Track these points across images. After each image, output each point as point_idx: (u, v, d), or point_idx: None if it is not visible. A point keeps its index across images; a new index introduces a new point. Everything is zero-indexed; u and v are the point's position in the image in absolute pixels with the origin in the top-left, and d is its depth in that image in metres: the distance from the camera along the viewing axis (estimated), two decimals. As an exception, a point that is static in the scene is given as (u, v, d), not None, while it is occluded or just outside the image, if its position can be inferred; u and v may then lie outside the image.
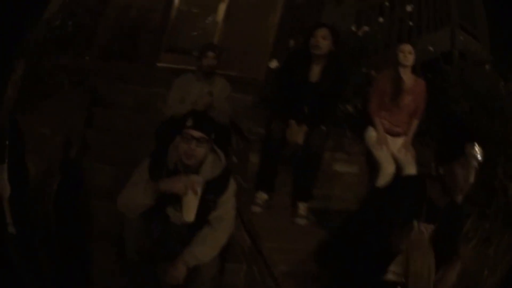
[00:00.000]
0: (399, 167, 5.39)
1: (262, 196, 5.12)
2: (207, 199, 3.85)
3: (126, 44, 8.33)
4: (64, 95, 6.01)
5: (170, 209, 3.88)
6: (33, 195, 4.42)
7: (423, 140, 6.04)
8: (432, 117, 6.16)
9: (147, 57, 8.36)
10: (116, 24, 8.40)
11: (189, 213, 3.78)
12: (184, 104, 5.34)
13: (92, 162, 5.65)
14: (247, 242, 4.84)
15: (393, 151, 5.52)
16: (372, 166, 5.51)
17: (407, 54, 5.56)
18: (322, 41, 5.04)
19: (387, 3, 7.87)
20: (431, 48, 7.29)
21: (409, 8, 7.73)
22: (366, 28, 6.54)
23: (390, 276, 3.44)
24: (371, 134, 5.59)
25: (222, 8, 8.80)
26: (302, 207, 5.03)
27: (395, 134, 5.60)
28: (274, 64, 6.08)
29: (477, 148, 2.98)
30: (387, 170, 5.29)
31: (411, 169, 5.34)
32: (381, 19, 6.89)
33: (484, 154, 3.03)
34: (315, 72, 5.14)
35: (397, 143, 5.57)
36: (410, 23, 7.96)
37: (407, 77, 5.61)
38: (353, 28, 6.53)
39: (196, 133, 3.76)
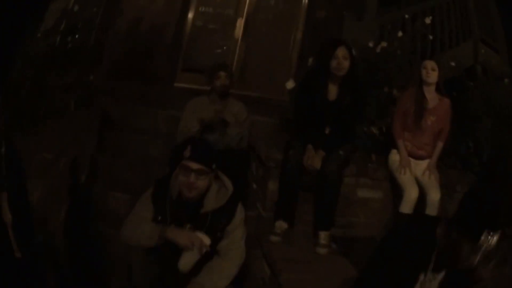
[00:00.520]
0: (422, 192, 5.22)
1: (282, 225, 4.98)
2: (214, 229, 3.75)
3: (139, 62, 8.17)
4: (70, 117, 5.87)
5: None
6: (39, 222, 4.39)
7: (449, 162, 5.87)
8: (457, 137, 5.95)
9: (163, 76, 8.20)
10: (127, 40, 8.26)
11: (186, 265, 3.68)
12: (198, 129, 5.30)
13: (103, 188, 5.58)
14: (267, 274, 4.70)
15: (417, 175, 5.35)
16: (396, 191, 5.35)
17: (430, 71, 5.38)
18: (344, 61, 4.92)
19: (407, 16, 7.72)
20: (453, 64, 7.09)
21: (428, 20, 7.54)
22: (384, 44, 6.31)
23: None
24: (394, 158, 5.43)
25: (240, 23, 8.58)
26: (323, 236, 4.88)
27: (418, 158, 5.43)
28: (290, 84, 5.92)
29: (495, 238, 2.62)
30: (410, 195, 5.13)
31: (435, 194, 5.17)
32: (400, 33, 6.65)
33: (498, 242, 2.69)
34: (332, 91, 5.04)
35: (421, 167, 5.40)
36: (430, 37, 7.80)
37: (431, 96, 5.44)
38: (371, 45, 6.32)
39: (195, 165, 3.63)
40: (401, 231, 3.19)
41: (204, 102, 5.57)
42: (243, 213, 3.92)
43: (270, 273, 4.64)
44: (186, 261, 3.67)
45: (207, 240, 3.65)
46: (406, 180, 5.23)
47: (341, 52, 4.90)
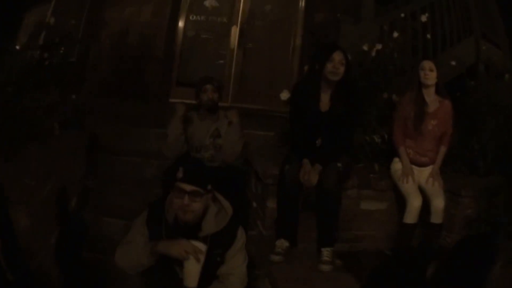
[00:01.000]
0: (426, 199, 5.23)
1: (283, 244, 4.98)
2: (213, 253, 3.70)
3: (128, 78, 8.16)
4: (55, 140, 5.81)
5: (177, 266, 3.71)
6: (28, 248, 4.38)
7: (454, 166, 5.86)
8: (461, 140, 5.95)
9: (156, 92, 8.21)
10: (113, 54, 8.24)
11: (191, 279, 3.61)
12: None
13: (96, 214, 5.61)
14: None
15: (420, 182, 5.35)
16: (401, 201, 5.33)
17: (428, 72, 5.35)
18: (340, 66, 4.93)
19: (403, 15, 7.65)
20: (453, 63, 7.06)
21: (424, 18, 7.44)
22: (378, 47, 6.23)
23: None
24: (397, 166, 5.43)
25: (235, 32, 8.58)
26: (326, 253, 4.87)
27: (421, 165, 5.43)
28: (285, 95, 5.84)
29: None
30: (413, 205, 5.13)
31: (439, 201, 5.17)
32: (395, 34, 6.56)
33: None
34: (325, 100, 5.05)
35: (424, 174, 5.39)
36: (428, 36, 7.75)
37: (431, 98, 5.42)
38: (365, 48, 6.23)
39: (188, 187, 3.58)
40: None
41: (194, 119, 5.56)
42: (244, 237, 3.87)
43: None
44: (189, 275, 3.60)
45: (202, 247, 3.58)
46: (409, 189, 5.23)
47: (337, 56, 4.91)
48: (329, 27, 7.59)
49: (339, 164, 4.94)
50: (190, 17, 8.71)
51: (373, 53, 6.18)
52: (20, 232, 4.24)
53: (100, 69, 8.37)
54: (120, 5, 8.73)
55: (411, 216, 5.11)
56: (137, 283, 3.82)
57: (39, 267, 4.68)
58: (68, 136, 6.02)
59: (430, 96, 5.40)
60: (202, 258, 3.57)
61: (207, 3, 8.64)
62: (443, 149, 5.42)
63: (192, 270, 3.59)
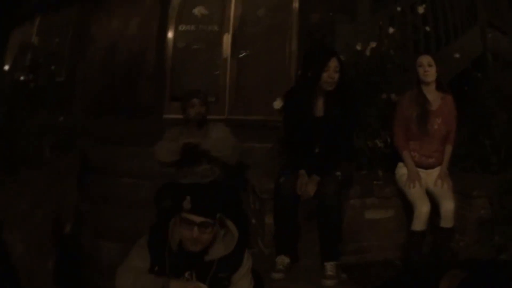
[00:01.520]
0: (435, 203, 5.19)
1: (284, 260, 4.98)
2: (219, 277, 3.69)
3: (119, 95, 8.21)
4: (46, 164, 5.89)
5: None
6: (26, 274, 4.45)
7: (465, 165, 5.86)
8: (472, 137, 5.94)
9: (149, 108, 8.25)
10: (102, 71, 8.31)
11: None
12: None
13: (92, 238, 5.69)
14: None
15: (428, 185, 5.32)
16: (408, 207, 5.30)
17: (427, 68, 5.32)
18: (335, 74, 4.94)
19: (399, 8, 7.54)
20: (457, 56, 7.05)
21: (421, 9, 7.34)
22: (373, 45, 6.21)
23: None
24: (401, 171, 5.39)
25: (227, 40, 8.63)
26: (329, 267, 4.86)
27: (428, 167, 5.40)
28: (278, 104, 5.81)
29: None
30: (421, 211, 5.08)
31: (449, 203, 5.12)
32: (391, 30, 6.55)
33: None
34: (319, 106, 5.07)
35: (432, 176, 5.36)
36: (427, 29, 7.69)
37: (433, 96, 5.40)
38: (358, 47, 6.22)
39: (198, 218, 3.52)
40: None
41: (182, 134, 5.59)
42: (250, 261, 3.84)
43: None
44: None
45: None
46: (416, 194, 5.19)
47: (333, 63, 4.92)
48: (325, 27, 7.56)
49: (338, 173, 4.94)
50: (179, 27, 8.78)
51: (368, 52, 6.17)
52: (16, 256, 4.32)
53: (89, 87, 8.42)
54: (106, 19, 8.83)
55: (419, 222, 5.07)
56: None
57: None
58: (59, 159, 6.09)
59: (431, 93, 5.38)
60: None
61: (196, 11, 8.69)
62: (449, 148, 5.40)
63: None
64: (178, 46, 8.71)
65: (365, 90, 5.94)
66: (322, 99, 5.04)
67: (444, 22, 8.11)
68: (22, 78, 6.92)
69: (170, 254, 3.68)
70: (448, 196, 5.17)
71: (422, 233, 5.10)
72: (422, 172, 5.34)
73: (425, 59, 5.37)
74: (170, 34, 8.67)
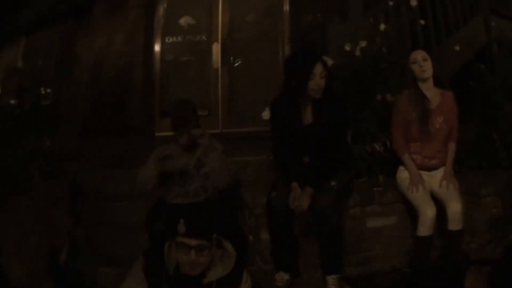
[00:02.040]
0: (442, 205, 5.19)
1: (283, 277, 5.03)
2: None
3: (108, 115, 8.24)
4: (37, 190, 6.01)
5: None
6: None
7: (472, 163, 5.88)
8: (479, 133, 5.96)
9: (140, 127, 8.26)
10: (89, 90, 8.38)
11: None
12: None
13: (88, 264, 5.72)
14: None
15: (433, 188, 5.32)
16: (413, 212, 5.31)
17: (423, 63, 5.31)
18: (322, 80, 4.93)
19: (391, 3, 7.47)
20: (457, 48, 7.07)
21: (414, 2, 7.33)
22: (363, 44, 6.25)
23: None
24: (403, 175, 5.40)
25: (216, 49, 8.64)
26: (331, 281, 4.91)
27: (431, 168, 5.40)
28: (267, 114, 5.82)
29: None
30: (426, 215, 5.07)
31: (455, 205, 5.10)
32: (382, 26, 6.56)
33: None
34: (307, 113, 5.08)
35: (436, 178, 5.36)
36: (422, 22, 7.66)
37: (432, 93, 5.39)
38: (347, 48, 6.27)
39: (193, 242, 3.59)
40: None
41: (174, 151, 5.63)
42: (249, 281, 3.91)
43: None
44: None
45: None
46: (420, 199, 5.18)
47: (318, 69, 4.90)
48: (317, 29, 7.57)
49: (333, 183, 4.95)
50: (166, 40, 8.80)
51: (358, 52, 6.20)
52: (14, 282, 4.43)
53: (76, 108, 8.47)
54: (90, 36, 8.88)
55: (425, 227, 5.07)
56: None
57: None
58: (49, 184, 6.21)
59: (430, 90, 5.37)
60: None
61: (182, 21, 8.73)
62: (452, 146, 5.39)
63: None
64: (166, 59, 8.71)
65: (359, 92, 5.98)
66: (310, 106, 5.05)
67: (443, 13, 8.11)
68: (11, 102, 7.01)
69: (167, 278, 3.74)
70: (455, 197, 5.15)
71: (429, 238, 5.09)
72: (425, 175, 5.34)
73: (419, 54, 5.36)
74: (157, 47, 8.68)
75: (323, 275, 4.97)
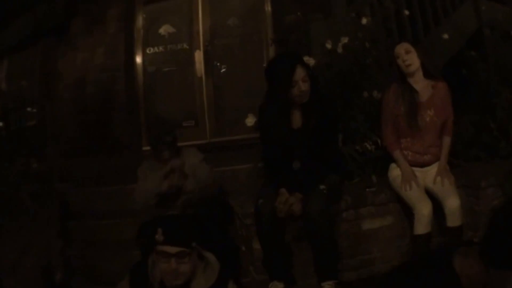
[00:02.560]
0: (438, 202, 5.16)
1: (277, 286, 5.03)
2: None
3: (94, 132, 8.27)
4: (27, 212, 6.13)
5: None
6: None
7: (470, 155, 5.86)
8: (475, 123, 5.95)
9: (126, 142, 8.29)
10: (74, 108, 8.40)
11: None
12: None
13: (82, 284, 5.84)
14: None
15: (427, 185, 5.29)
16: (408, 210, 5.28)
17: (406, 56, 5.27)
18: (304, 85, 4.91)
19: None
20: (445, 36, 7.06)
21: None
22: (344, 40, 6.20)
23: None
24: (395, 173, 5.38)
25: (199, 57, 8.62)
26: (327, 287, 4.89)
27: (424, 164, 5.37)
28: (250, 120, 5.86)
29: None
30: (422, 213, 5.04)
31: (453, 201, 5.05)
32: (364, 20, 6.51)
33: None
34: (296, 117, 5.08)
35: (430, 174, 5.32)
36: (406, 12, 7.59)
37: (421, 85, 5.35)
38: (328, 46, 6.23)
39: (173, 249, 3.64)
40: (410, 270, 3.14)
41: (155, 168, 5.69)
42: None
43: None
44: None
45: None
46: (414, 196, 5.16)
47: (299, 75, 4.88)
48: (301, 28, 7.55)
49: (322, 187, 4.93)
50: (147, 51, 8.83)
51: (339, 49, 6.18)
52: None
53: (62, 127, 8.50)
54: (71, 53, 8.90)
55: (422, 225, 5.02)
56: None
57: None
58: (39, 205, 6.29)
59: (418, 83, 5.34)
60: None
61: (162, 31, 8.73)
62: (447, 140, 5.35)
63: None
64: (148, 70, 8.72)
65: (345, 91, 5.97)
66: (299, 109, 5.05)
67: (430, 1, 8.07)
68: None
69: None
70: (451, 193, 5.11)
71: (426, 236, 5.04)
72: (418, 171, 5.31)
73: (402, 48, 5.33)
74: (138, 59, 8.70)
75: (318, 282, 4.97)
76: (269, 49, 8.41)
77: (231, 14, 8.78)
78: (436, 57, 6.77)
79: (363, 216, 5.46)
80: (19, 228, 5.81)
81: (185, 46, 8.77)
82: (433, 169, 5.33)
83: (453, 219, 5.04)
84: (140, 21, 8.85)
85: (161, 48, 8.82)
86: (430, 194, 5.21)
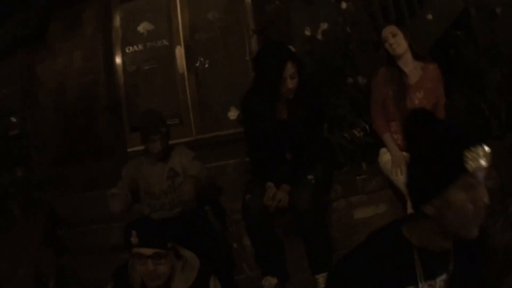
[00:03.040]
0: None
1: (271, 282, 5.00)
2: None
3: (77, 136, 8.23)
4: (15, 222, 6.25)
5: None
6: None
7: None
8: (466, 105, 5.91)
9: (111, 145, 8.25)
10: (56, 115, 8.37)
11: None
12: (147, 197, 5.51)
13: None
14: None
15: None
16: (402, 196, 5.21)
17: (392, 39, 5.27)
18: (292, 81, 4.91)
19: None
20: (429, 17, 7.00)
21: None
22: (324, 26, 6.16)
23: None
24: (385, 158, 5.35)
25: (180, 53, 8.53)
26: (321, 279, 4.87)
27: (414, 148, 5.29)
28: (233, 114, 5.84)
29: (482, 151, 2.31)
30: None
31: None
32: (344, 4, 6.40)
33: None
34: (281, 108, 5.07)
35: (420, 158, 5.26)
36: None
37: (410, 67, 5.33)
38: (307, 33, 6.21)
39: (148, 251, 3.65)
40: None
41: (143, 164, 5.66)
42: (219, 286, 3.94)
43: None
44: None
45: None
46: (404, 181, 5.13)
47: (288, 71, 4.87)
48: (282, 17, 7.49)
49: (309, 177, 4.91)
50: (127, 50, 8.73)
51: (319, 36, 6.14)
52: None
53: (45, 134, 8.47)
54: (50, 59, 8.86)
55: None
56: None
57: None
58: (28, 215, 6.37)
59: (408, 65, 5.33)
60: None
61: (141, 28, 8.64)
62: None
63: None
64: (129, 70, 8.64)
65: (329, 78, 5.94)
66: (284, 101, 5.04)
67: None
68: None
69: None
70: None
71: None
72: (407, 157, 5.26)
73: (387, 31, 5.34)
74: (118, 60, 8.60)
75: (312, 275, 4.95)
76: (251, 40, 8.25)
77: (210, 7, 8.67)
78: (422, 39, 6.68)
79: (355, 205, 5.45)
80: (9, 239, 5.86)
81: (165, 42, 8.67)
82: (424, 152, 5.26)
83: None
84: (117, 20, 8.75)
85: (140, 47, 8.72)
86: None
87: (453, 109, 5.65)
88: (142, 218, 4.91)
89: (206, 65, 8.59)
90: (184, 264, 3.88)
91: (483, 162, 2.26)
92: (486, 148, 2.32)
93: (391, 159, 5.26)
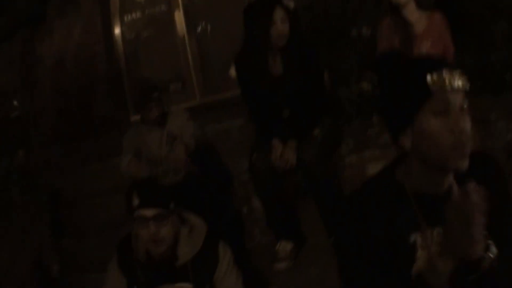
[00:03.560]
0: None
1: (285, 246, 4.82)
2: (200, 282, 3.71)
3: (80, 111, 8.18)
4: (17, 207, 6.13)
5: None
6: None
7: (474, 88, 5.65)
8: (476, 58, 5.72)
9: (115, 118, 8.14)
10: (57, 91, 8.29)
11: None
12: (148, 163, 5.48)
13: (79, 273, 5.79)
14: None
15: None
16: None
17: None
18: (283, 26, 4.77)
19: None
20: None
21: None
22: None
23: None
24: None
25: (179, 17, 8.40)
26: None
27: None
28: (234, 71, 5.71)
29: (447, 74, 2.25)
30: None
31: None
32: None
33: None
34: (276, 63, 4.91)
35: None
36: None
37: (415, 17, 5.11)
38: None
39: (149, 212, 3.60)
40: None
41: (143, 131, 5.65)
42: (229, 252, 3.83)
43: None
44: None
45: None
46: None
47: (278, 15, 4.75)
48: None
49: (316, 131, 4.77)
50: (125, 18, 8.65)
51: None
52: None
53: (46, 113, 8.39)
54: (49, 35, 8.79)
55: None
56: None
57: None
58: (29, 198, 6.28)
59: (412, 14, 5.11)
60: None
61: (138, -4, 8.57)
62: None
63: None
64: (128, 38, 8.60)
65: (332, 32, 5.81)
66: (279, 55, 4.89)
67: None
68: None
69: (141, 267, 3.74)
70: None
71: None
72: None
73: None
74: (117, 30, 8.54)
75: (328, 237, 4.71)
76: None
77: (207, -31, 8.54)
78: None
79: (368, 159, 5.24)
80: (9, 225, 5.81)
81: (163, 8, 8.57)
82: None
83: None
84: (115, -11, 8.66)
85: (138, 14, 8.64)
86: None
87: (463, 66, 5.47)
88: (144, 180, 4.79)
89: (206, 27, 8.48)
90: (190, 229, 3.80)
91: (454, 84, 2.24)
92: (455, 71, 2.31)
93: None
